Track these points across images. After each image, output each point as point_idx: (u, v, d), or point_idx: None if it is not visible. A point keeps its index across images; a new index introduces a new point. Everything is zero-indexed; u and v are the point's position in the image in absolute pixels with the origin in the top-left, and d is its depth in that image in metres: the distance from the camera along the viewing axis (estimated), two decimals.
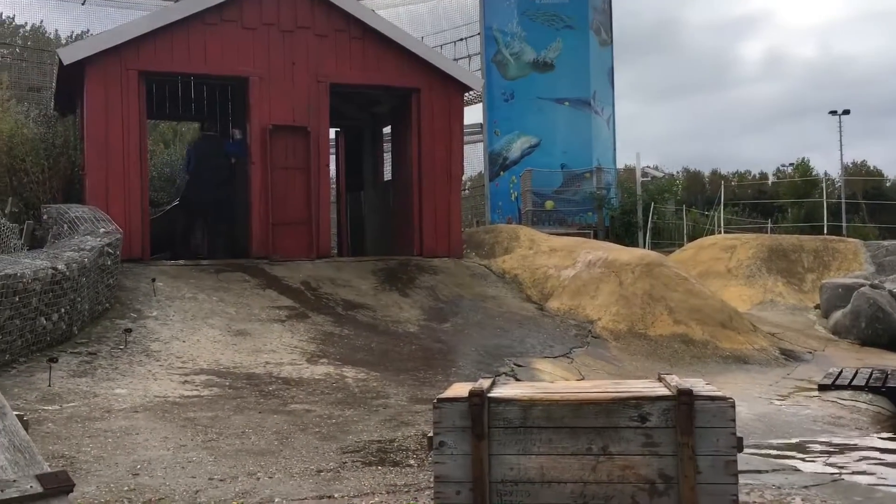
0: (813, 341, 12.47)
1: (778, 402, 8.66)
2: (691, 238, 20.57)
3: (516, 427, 3.68)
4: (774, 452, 6.71)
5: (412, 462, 5.17)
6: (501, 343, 9.89)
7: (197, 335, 8.48)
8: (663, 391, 3.72)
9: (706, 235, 20.48)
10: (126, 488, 4.49)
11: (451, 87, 12.97)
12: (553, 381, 8.25)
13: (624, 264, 12.13)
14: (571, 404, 3.67)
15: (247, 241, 12.19)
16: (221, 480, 4.68)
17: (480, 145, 23.17)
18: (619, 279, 11.90)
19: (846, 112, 36.46)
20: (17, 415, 2.63)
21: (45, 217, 10.67)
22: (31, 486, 2.34)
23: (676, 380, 3.94)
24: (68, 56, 11.03)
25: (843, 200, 26.96)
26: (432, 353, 9.16)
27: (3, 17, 24.81)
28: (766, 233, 24.15)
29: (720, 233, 21.73)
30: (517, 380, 8.41)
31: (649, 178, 22.98)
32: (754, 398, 8.75)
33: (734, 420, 3.58)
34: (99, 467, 4.85)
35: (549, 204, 21.08)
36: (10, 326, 6.87)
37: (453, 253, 12.91)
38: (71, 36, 22.41)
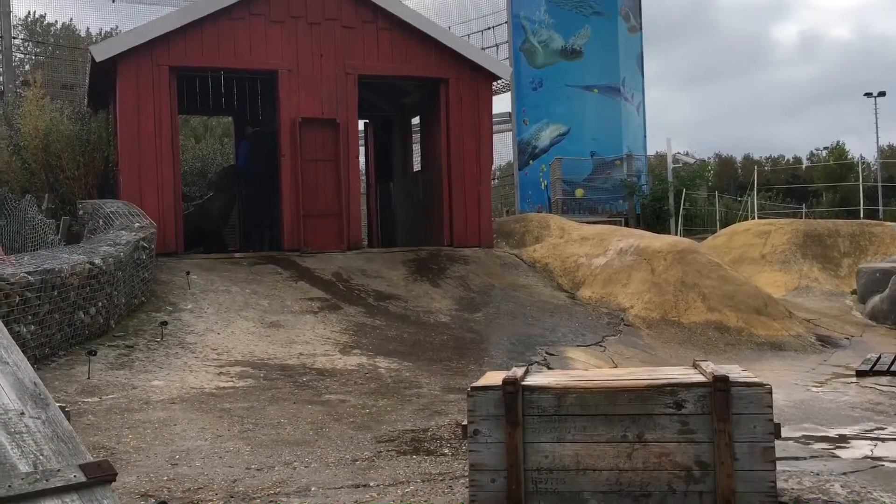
0: (850, 327, 12.29)
1: (815, 389, 8.56)
2: (724, 224, 20.35)
3: (550, 415, 3.68)
4: (812, 439, 6.64)
5: (446, 451, 5.19)
6: (533, 332, 9.89)
7: (231, 327, 8.58)
8: (699, 378, 3.70)
9: (739, 221, 20.25)
10: (166, 478, 4.56)
11: (479, 77, 12.95)
12: (586, 369, 8.23)
13: (656, 251, 12.04)
14: (606, 391, 3.67)
15: (278, 234, 12.30)
16: (258, 470, 4.74)
17: (509, 134, 23.10)
18: (650, 267, 11.82)
19: (882, 94, 35.75)
20: (59, 406, 2.68)
21: (80, 213, 10.84)
22: (74, 476, 2.38)
23: (712, 366, 3.92)
24: (100, 53, 11.17)
25: (879, 184, 26.49)
26: (464, 342, 9.18)
27: (36, 16, 25.18)
28: (801, 218, 23.82)
29: (753, 218, 21.47)
30: (549, 368, 8.40)
31: (680, 165, 22.76)
32: (791, 385, 8.65)
33: (771, 406, 3.55)
34: (139, 457, 4.93)
35: (579, 192, 20.98)
36: (50, 321, 7.00)
37: (484, 243, 12.92)
38: (101, 33, 22.68)
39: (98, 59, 11.14)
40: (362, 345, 8.53)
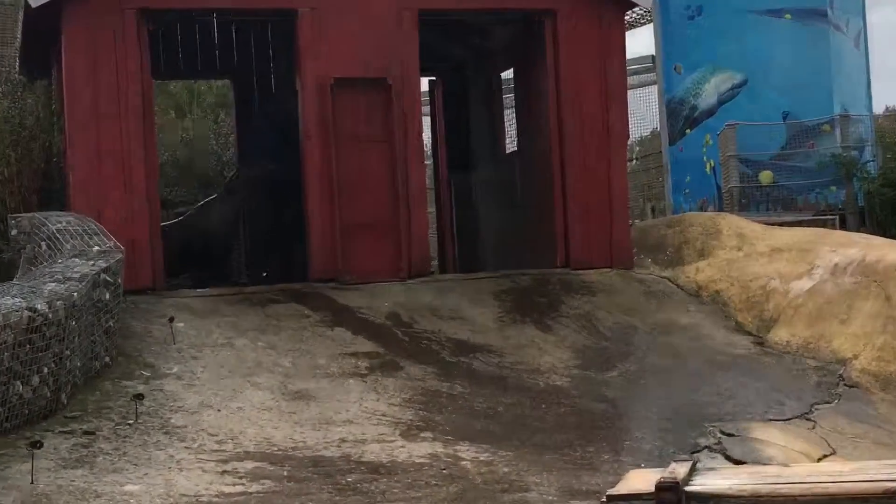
0: None
1: None
2: None
3: None
4: None
5: None
6: (699, 399, 9.76)
7: (238, 401, 8.72)
8: None
9: None
10: None
11: (603, 5, 12.94)
12: (785, 460, 8.07)
13: (892, 269, 11.78)
14: (820, 501, 3.62)
15: (303, 257, 12.47)
16: None
17: (653, 90, 22.94)
18: (884, 292, 11.56)
19: None
20: None
21: (13, 231, 11.19)
22: None
23: None
24: None
25: None
26: (592, 418, 9.12)
27: None
28: None
29: None
30: (728, 459, 8.26)
31: None
32: None
33: None
34: None
35: (764, 176, 20.65)
36: None
37: (618, 261, 12.86)
38: None
39: (35, 4, 11.52)
40: (435, 424, 8.56)
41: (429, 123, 15.59)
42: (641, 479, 4.05)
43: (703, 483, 3.93)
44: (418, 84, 12.86)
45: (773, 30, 21.23)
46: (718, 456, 8.31)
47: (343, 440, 8.08)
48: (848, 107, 21.00)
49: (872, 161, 20.49)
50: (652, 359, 10.74)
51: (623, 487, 4.00)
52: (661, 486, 3.77)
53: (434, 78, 15.66)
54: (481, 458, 7.83)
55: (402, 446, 8.01)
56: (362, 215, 12.21)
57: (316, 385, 9.22)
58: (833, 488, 3.67)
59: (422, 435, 8.30)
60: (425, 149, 14.35)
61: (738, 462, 8.04)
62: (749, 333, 11.81)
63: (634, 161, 25.95)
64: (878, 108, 26.72)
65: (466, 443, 8.15)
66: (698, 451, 8.32)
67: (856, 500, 3.58)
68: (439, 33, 14.47)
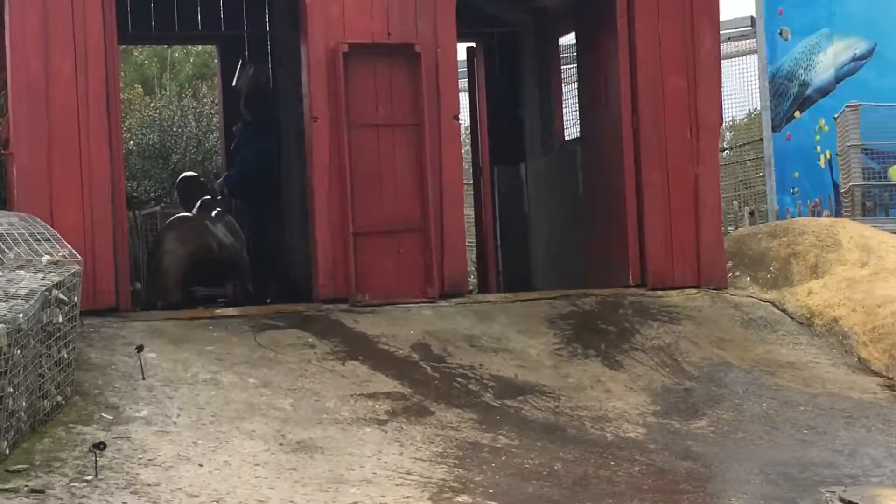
0: None
1: None
2: None
3: None
4: None
5: None
6: (812, 458, 9.72)
7: (224, 452, 8.72)
8: None
9: None
10: None
11: None
12: None
13: None
14: None
15: (306, 270, 12.50)
16: None
17: (752, 61, 22.91)
18: None
19: None
20: None
21: None
22: None
23: None
24: None
25: None
26: (676, 479, 9.08)
27: None
28: None
29: None
30: None
31: None
32: None
33: None
34: None
35: (895, 171, 20.61)
36: None
37: (707, 279, 12.87)
38: None
39: None
40: (475, 485, 8.53)
41: (467, 103, 15.65)
42: None
43: None
44: (455, 52, 12.82)
45: None
46: None
47: None
48: None
49: None
50: (751, 405, 10.69)
51: None
52: None
53: (474, 45, 15.71)
54: None
55: None
56: (382, 219, 12.23)
57: (323, 434, 9.20)
58: None
59: (457, 499, 8.27)
60: (463, 135, 14.39)
61: None
62: (877, 374, 11.75)
63: (728, 152, 25.90)
64: None
65: None
66: None
67: None
68: None
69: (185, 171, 16.85)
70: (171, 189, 16.07)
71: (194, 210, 14.24)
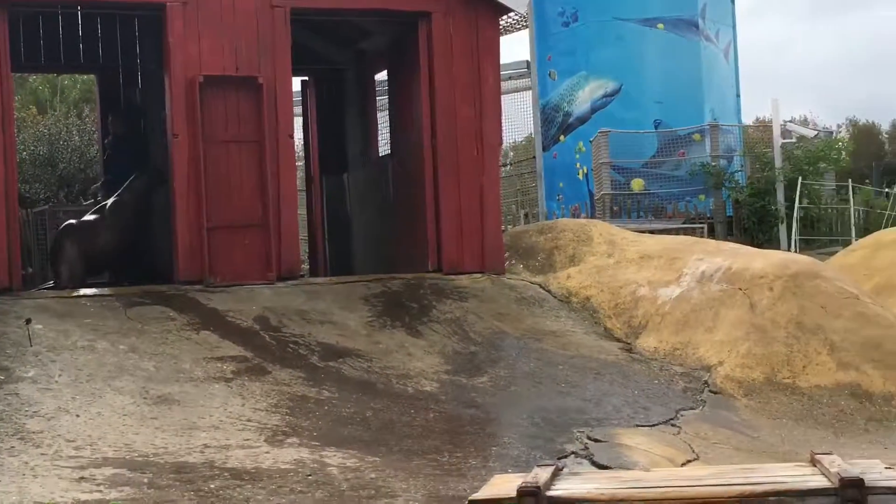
0: None
1: None
2: (863, 232, 20.46)
3: None
4: None
5: None
6: (568, 405, 9.92)
7: (97, 405, 8.59)
8: (818, 482, 3.77)
9: (887, 227, 20.34)
10: None
11: (479, 9, 13.06)
12: (649, 465, 8.25)
13: (757, 277, 12.13)
14: None
15: (169, 258, 12.34)
16: None
17: (528, 95, 23.24)
18: (749, 301, 11.90)
19: None
20: None
21: None
22: None
23: (839, 462, 3.98)
24: None
25: None
26: (461, 423, 9.20)
27: None
28: None
29: None
30: (593, 464, 8.41)
31: (794, 140, 22.89)
32: None
33: None
34: None
35: (636, 184, 21.09)
36: None
37: (490, 266, 12.99)
38: None
39: None
40: (302, 430, 8.55)
41: (301, 125, 15.64)
42: (505, 484, 4.12)
43: (565, 488, 4.01)
44: (290, 84, 12.83)
45: (646, 39, 21.70)
46: (585, 461, 8.45)
47: (206, 446, 8.02)
48: (718, 117, 21.58)
49: (741, 171, 21.08)
50: (522, 364, 10.88)
51: (486, 492, 4.06)
52: (523, 491, 3.84)
53: (307, 78, 15.71)
54: (348, 464, 7.84)
55: (267, 452, 7.98)
56: (231, 217, 12.15)
57: (180, 389, 9.13)
58: (689, 492, 3.78)
59: (288, 441, 8.28)
60: (297, 150, 14.33)
61: (603, 467, 8.19)
62: (618, 340, 12.04)
63: (508, 166, 26.26)
64: (749, 118, 27.49)
65: (333, 448, 8.16)
66: (565, 457, 8.45)
67: (709, 502, 3.69)
68: (312, 33, 14.47)
69: (73, 178, 16.54)
70: (58, 191, 15.65)
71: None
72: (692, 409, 10.36)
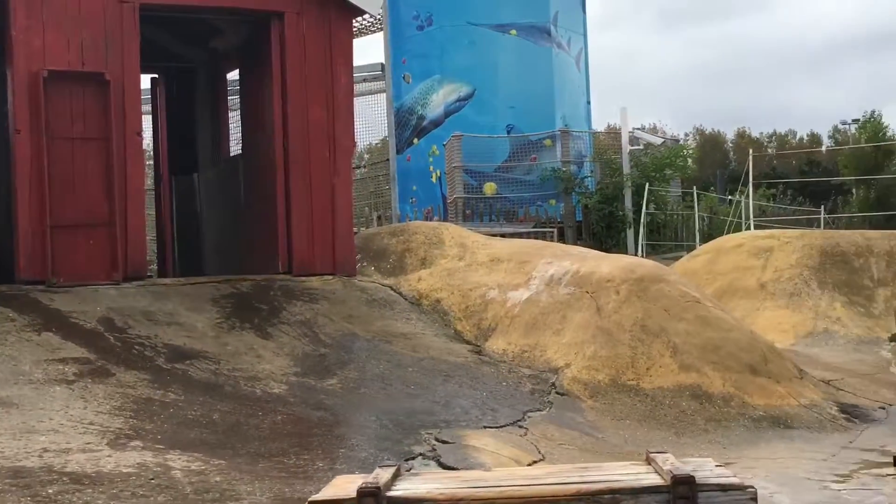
0: (887, 391, 12.91)
1: (836, 486, 8.96)
2: (707, 237, 21.08)
3: None
4: None
5: None
6: (417, 407, 9.95)
7: None
8: (652, 479, 3.87)
9: (729, 233, 21.01)
10: None
11: (331, 10, 13.05)
12: (493, 465, 8.33)
13: (603, 280, 12.36)
14: (514, 503, 3.77)
15: (9, 256, 12.02)
16: None
17: (382, 98, 23.28)
18: (596, 304, 12.12)
19: None
20: None
21: None
22: None
23: (672, 461, 4.08)
24: None
25: None
26: (310, 425, 9.15)
27: None
28: (818, 227, 24.90)
29: (749, 228, 22.28)
30: (440, 465, 8.45)
31: (642, 147, 23.44)
32: (800, 480, 9.03)
33: None
34: None
35: (489, 187, 21.33)
36: None
37: (341, 268, 12.98)
38: None
39: None
40: (146, 433, 8.39)
41: (151, 123, 15.39)
42: (345, 485, 4.12)
43: (405, 488, 4.03)
44: (138, 81, 12.62)
45: (499, 44, 21.98)
46: (432, 463, 8.48)
47: (45, 450, 7.80)
48: (569, 123, 21.98)
49: (590, 176, 21.52)
50: (372, 367, 10.87)
51: (327, 493, 4.06)
52: (363, 492, 3.84)
53: (157, 76, 15.48)
54: (192, 468, 7.72)
55: (109, 456, 7.80)
56: (76, 215, 11.90)
57: (18, 392, 8.86)
58: (527, 491, 3.84)
59: (131, 444, 8.11)
60: (146, 149, 14.10)
61: (450, 468, 8.24)
62: (468, 342, 12.14)
63: (363, 169, 26.27)
64: (599, 125, 28.03)
65: (178, 451, 8.02)
66: (412, 459, 8.47)
67: (546, 501, 3.75)
68: (163, 30, 14.25)
69: None
70: None
71: None
72: (539, 410, 10.50)
